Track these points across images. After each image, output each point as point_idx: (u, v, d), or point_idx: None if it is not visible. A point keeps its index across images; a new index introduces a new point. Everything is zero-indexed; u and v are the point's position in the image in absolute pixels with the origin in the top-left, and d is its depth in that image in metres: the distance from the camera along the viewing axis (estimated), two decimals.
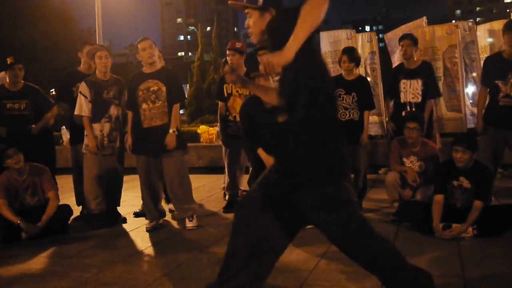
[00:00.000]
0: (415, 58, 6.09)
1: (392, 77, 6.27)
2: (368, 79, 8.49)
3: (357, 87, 5.71)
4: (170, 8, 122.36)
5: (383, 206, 5.81)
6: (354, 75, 5.78)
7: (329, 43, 8.68)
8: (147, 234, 5.14)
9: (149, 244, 4.82)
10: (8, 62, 5.69)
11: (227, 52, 5.93)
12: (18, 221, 4.96)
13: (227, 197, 6.27)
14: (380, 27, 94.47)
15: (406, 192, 5.31)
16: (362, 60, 8.87)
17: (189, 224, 5.24)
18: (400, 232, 4.79)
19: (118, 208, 5.81)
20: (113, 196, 5.71)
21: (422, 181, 5.30)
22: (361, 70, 8.66)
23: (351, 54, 5.74)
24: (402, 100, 6.04)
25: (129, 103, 5.28)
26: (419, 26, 8.26)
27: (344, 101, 5.69)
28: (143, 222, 5.51)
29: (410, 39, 6.01)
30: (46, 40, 23.72)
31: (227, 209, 5.91)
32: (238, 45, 5.95)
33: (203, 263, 4.10)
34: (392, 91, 6.21)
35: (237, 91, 5.88)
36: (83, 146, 5.49)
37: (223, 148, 6.28)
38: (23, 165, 5.14)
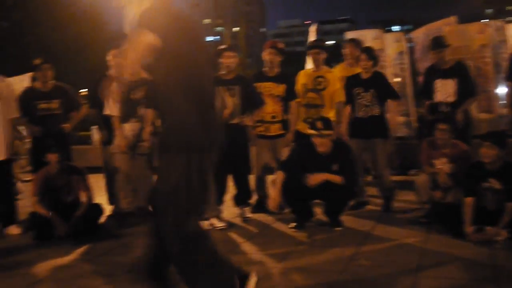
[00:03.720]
0: (446, 59, 6.03)
1: (426, 76, 6.25)
2: (397, 80, 8.43)
3: (374, 83, 5.76)
4: (198, 9, 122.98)
5: (413, 208, 5.75)
6: (370, 72, 5.81)
7: None
8: None
9: None
10: (36, 63, 5.80)
11: (267, 50, 5.89)
12: (50, 214, 5.08)
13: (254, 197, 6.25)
14: (408, 27, 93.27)
15: (436, 194, 5.24)
16: (390, 61, 8.80)
17: (218, 224, 5.27)
18: (431, 234, 4.73)
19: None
20: (144, 195, 5.77)
21: (453, 183, 5.22)
22: (389, 71, 8.60)
23: (369, 52, 5.83)
24: (436, 100, 6.01)
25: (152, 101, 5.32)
26: (447, 24, 8.14)
27: (364, 99, 5.73)
28: None
29: (440, 47, 5.97)
30: (78, 41, 24.10)
31: (255, 209, 5.91)
32: (280, 45, 5.96)
33: (237, 263, 4.10)
34: (426, 91, 6.19)
35: (267, 91, 5.87)
36: (113, 145, 5.56)
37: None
38: (62, 164, 5.26)
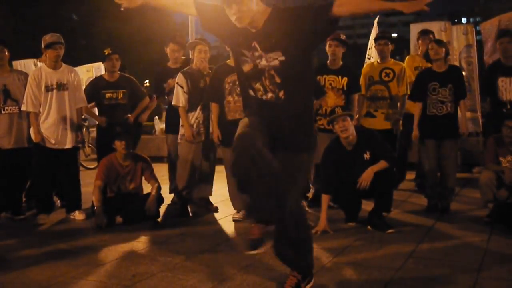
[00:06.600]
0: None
1: (489, 74, 5.95)
2: (463, 73, 8.16)
3: (452, 78, 5.50)
4: None
5: (476, 206, 5.58)
6: (445, 66, 5.57)
7: None
8: (234, 224, 5.24)
9: (236, 234, 4.90)
10: (106, 53, 5.99)
11: (329, 42, 5.83)
12: (98, 206, 5.26)
13: (311, 191, 6.21)
14: (477, 19, 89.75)
15: (501, 193, 5.05)
16: (457, 54, 8.53)
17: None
18: (494, 234, 4.58)
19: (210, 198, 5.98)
20: (205, 185, 5.84)
21: None
22: (456, 64, 8.33)
23: (439, 41, 5.60)
24: (502, 99, 5.71)
25: (213, 95, 5.40)
26: None
27: (440, 95, 5.47)
28: (230, 212, 5.60)
29: (510, 37, 5.68)
30: (142, 33, 24.62)
31: (312, 203, 5.88)
32: (343, 36, 5.92)
33: None
34: (488, 89, 5.91)
35: (330, 84, 5.83)
36: (179, 136, 5.64)
37: None
38: (128, 151, 5.42)
